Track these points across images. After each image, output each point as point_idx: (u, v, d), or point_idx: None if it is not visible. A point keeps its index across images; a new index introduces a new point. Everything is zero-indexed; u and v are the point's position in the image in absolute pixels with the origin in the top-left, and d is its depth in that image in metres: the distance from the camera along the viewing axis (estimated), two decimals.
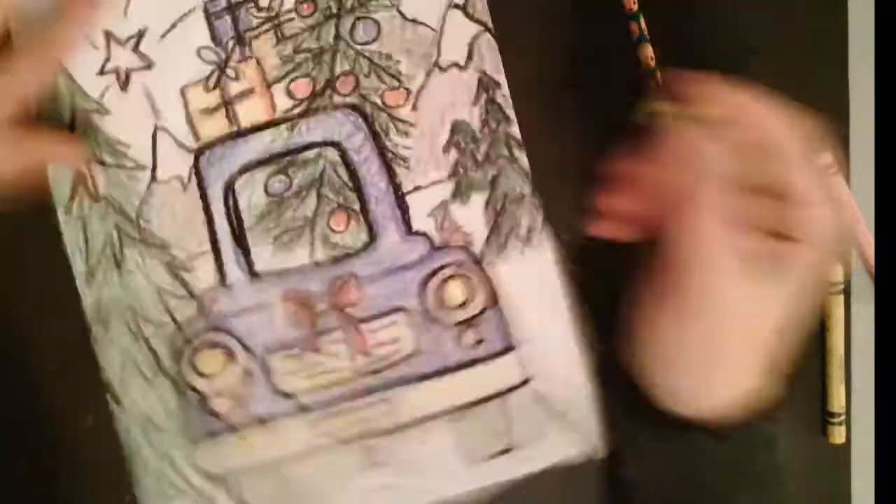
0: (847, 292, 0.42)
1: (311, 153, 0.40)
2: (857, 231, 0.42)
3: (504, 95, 0.40)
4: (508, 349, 0.39)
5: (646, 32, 0.40)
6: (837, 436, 0.42)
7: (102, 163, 0.39)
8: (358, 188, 0.40)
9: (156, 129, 0.39)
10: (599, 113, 0.40)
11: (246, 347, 0.39)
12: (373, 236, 0.40)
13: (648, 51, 0.40)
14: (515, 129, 0.40)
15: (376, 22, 0.40)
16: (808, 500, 0.42)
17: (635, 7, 0.40)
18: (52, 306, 0.40)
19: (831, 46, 0.42)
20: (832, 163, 0.40)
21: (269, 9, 0.39)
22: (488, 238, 0.40)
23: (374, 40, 0.40)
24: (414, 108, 0.40)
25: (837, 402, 0.42)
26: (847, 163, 0.42)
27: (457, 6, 0.39)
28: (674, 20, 0.40)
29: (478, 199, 0.40)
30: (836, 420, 0.42)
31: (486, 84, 0.40)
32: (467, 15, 0.39)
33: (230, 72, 0.39)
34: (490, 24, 0.40)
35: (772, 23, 0.41)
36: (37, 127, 0.38)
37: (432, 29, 0.40)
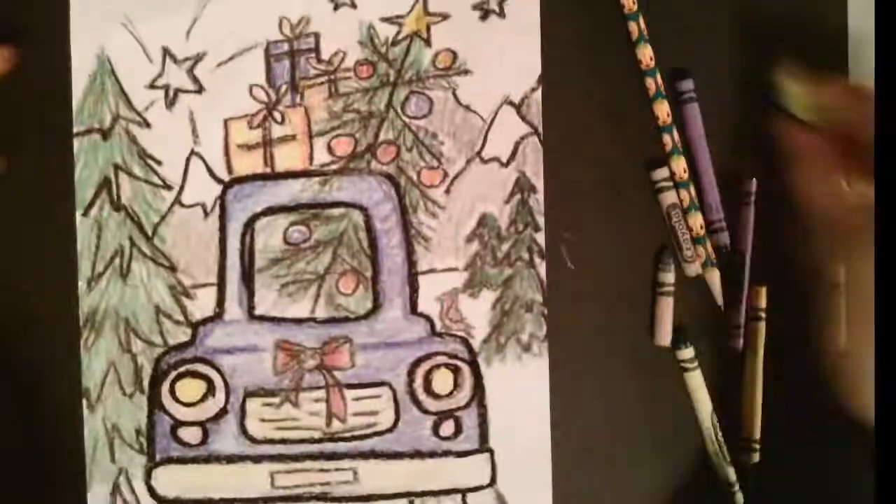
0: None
1: (336, 211, 0.40)
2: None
3: (538, 200, 0.40)
4: (483, 449, 0.39)
5: (645, 32, 0.40)
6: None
7: (130, 173, 0.39)
8: (374, 256, 0.40)
9: (191, 152, 0.39)
10: (637, 225, 0.40)
11: (227, 385, 0.39)
12: (377, 306, 0.40)
13: (648, 51, 0.40)
14: (541, 237, 0.40)
15: (430, 99, 0.40)
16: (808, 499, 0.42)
17: (635, 7, 0.40)
18: (52, 304, 0.39)
19: (831, 46, 0.42)
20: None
21: (328, 63, 0.40)
22: (489, 336, 0.40)
23: (423, 116, 0.40)
24: (447, 191, 0.40)
25: None
26: None
27: (511, 104, 0.39)
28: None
29: (487, 296, 0.40)
30: None
31: (522, 185, 0.40)
32: (520, 114, 0.39)
33: (277, 115, 0.40)
34: (540, 129, 0.40)
35: (773, 22, 0.41)
36: None
37: (482, 119, 0.40)
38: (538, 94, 0.40)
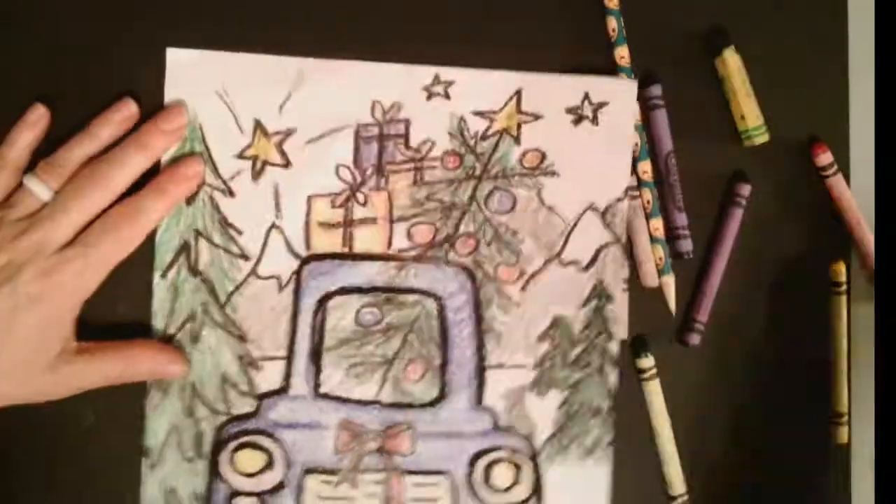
0: (848, 292, 0.42)
1: (411, 297, 0.40)
2: (857, 232, 0.42)
3: (613, 309, 0.40)
4: None
5: (623, 32, 0.40)
6: (841, 436, 0.42)
7: (210, 240, 0.40)
8: (444, 346, 0.40)
9: (273, 225, 0.40)
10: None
11: (287, 459, 0.40)
12: (443, 395, 0.40)
13: (624, 51, 0.40)
14: (615, 347, 0.40)
15: (513, 196, 0.40)
16: (807, 499, 0.43)
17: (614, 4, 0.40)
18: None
19: (831, 46, 0.42)
20: (831, 163, 0.41)
21: (416, 150, 0.40)
22: (552, 436, 0.40)
23: (506, 212, 0.40)
24: (523, 289, 0.40)
25: (842, 402, 0.42)
26: (847, 163, 0.42)
27: (595, 210, 0.40)
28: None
29: (555, 396, 0.40)
30: (841, 420, 0.42)
31: (599, 292, 0.40)
32: (604, 222, 0.40)
33: (360, 196, 0.40)
34: (623, 238, 0.40)
35: (772, 23, 0.41)
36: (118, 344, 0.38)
37: (565, 222, 0.40)
38: (624, 205, 0.40)
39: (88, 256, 0.36)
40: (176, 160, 0.39)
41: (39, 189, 0.37)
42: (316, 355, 0.40)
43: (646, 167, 0.41)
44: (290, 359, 0.40)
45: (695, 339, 0.41)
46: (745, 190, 0.41)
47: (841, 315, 0.42)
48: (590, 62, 0.41)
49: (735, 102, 0.41)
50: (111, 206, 0.37)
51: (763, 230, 0.42)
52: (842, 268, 0.42)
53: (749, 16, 0.42)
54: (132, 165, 0.38)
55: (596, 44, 0.41)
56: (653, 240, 0.40)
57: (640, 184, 0.40)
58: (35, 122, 0.38)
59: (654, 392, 0.41)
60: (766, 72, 0.41)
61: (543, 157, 0.40)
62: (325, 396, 0.40)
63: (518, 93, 0.40)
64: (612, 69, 0.41)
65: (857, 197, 0.42)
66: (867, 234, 0.42)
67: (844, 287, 0.42)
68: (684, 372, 0.41)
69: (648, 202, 0.40)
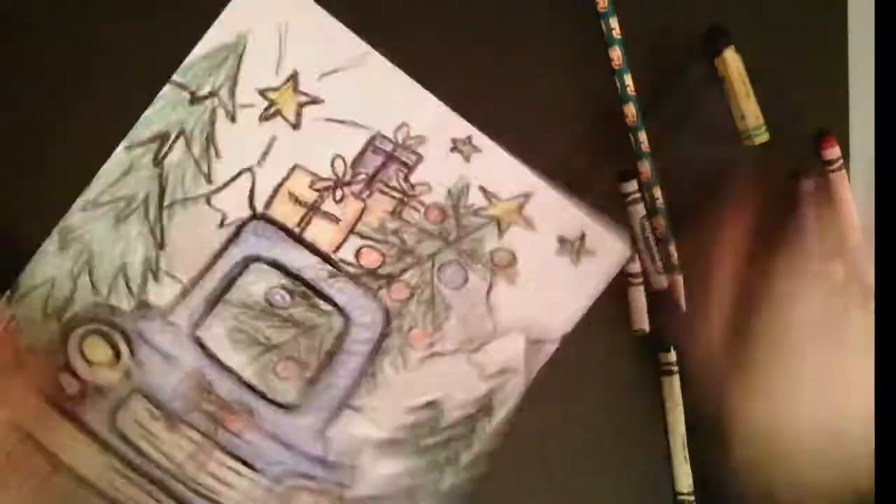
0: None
1: (325, 305, 0.40)
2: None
3: (483, 427, 0.40)
4: None
5: (616, 33, 0.40)
6: None
7: (189, 145, 0.39)
8: (326, 364, 0.40)
9: (249, 169, 0.39)
10: None
11: (129, 370, 0.39)
12: (296, 406, 0.40)
13: (616, 52, 0.40)
14: (466, 457, 0.40)
15: (466, 277, 0.40)
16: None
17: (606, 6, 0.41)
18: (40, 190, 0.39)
19: (831, 46, 0.42)
20: (838, 157, 0.41)
21: (411, 186, 0.40)
22: (370, 497, 0.40)
23: (452, 287, 0.40)
24: (422, 360, 0.40)
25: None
26: (847, 163, 0.42)
27: (526, 336, 0.40)
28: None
29: (392, 465, 0.40)
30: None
31: (483, 406, 0.40)
32: (526, 352, 0.40)
33: (338, 193, 0.40)
34: (532, 376, 0.40)
35: (772, 23, 0.42)
36: None
37: (495, 329, 0.40)
38: (548, 348, 0.40)
39: None
40: None
41: None
42: (213, 301, 0.39)
43: (657, 193, 0.41)
44: (189, 289, 0.39)
45: None
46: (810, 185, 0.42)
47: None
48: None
49: (735, 102, 0.41)
50: None
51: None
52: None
53: (749, 16, 0.42)
54: None
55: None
56: (658, 240, 0.41)
57: (645, 185, 0.41)
58: None
59: (673, 387, 0.41)
60: (766, 72, 0.41)
61: (513, 261, 0.40)
62: (197, 340, 0.40)
63: (526, 195, 0.40)
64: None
65: (856, 197, 0.42)
66: (860, 234, 0.42)
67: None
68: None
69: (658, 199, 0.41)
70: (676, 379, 0.41)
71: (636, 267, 0.42)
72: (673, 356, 0.41)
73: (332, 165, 0.40)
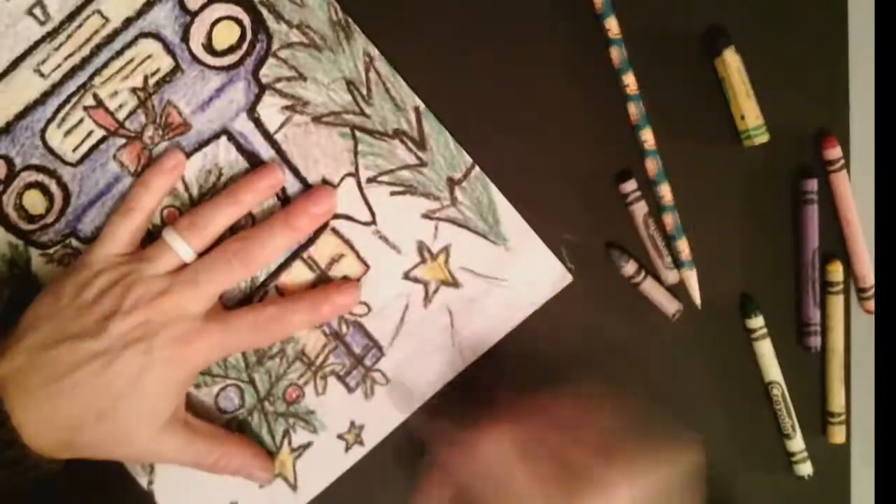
0: (847, 292, 0.43)
1: None
2: (851, 234, 0.42)
3: None
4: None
5: (612, 33, 0.40)
6: (837, 436, 0.43)
7: None
8: None
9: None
10: None
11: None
12: None
13: (615, 52, 0.41)
14: None
15: None
16: (807, 499, 0.43)
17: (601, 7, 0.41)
18: None
19: (831, 46, 0.42)
20: (839, 157, 0.41)
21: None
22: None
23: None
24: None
25: (837, 402, 0.43)
26: (847, 163, 0.42)
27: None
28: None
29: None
30: (836, 420, 0.43)
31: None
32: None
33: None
34: None
35: (772, 23, 0.42)
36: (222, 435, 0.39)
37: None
38: None
39: (226, 340, 0.36)
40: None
41: (182, 249, 0.37)
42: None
43: (664, 191, 0.41)
44: None
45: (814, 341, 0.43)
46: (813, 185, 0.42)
47: (837, 315, 0.43)
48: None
49: (735, 102, 0.41)
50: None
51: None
52: (837, 267, 0.42)
53: (749, 16, 0.42)
54: (279, 247, 0.38)
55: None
56: (667, 237, 0.42)
57: (652, 182, 0.41)
58: (172, 169, 0.38)
59: (766, 351, 0.42)
60: (766, 72, 0.41)
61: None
62: None
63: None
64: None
65: (856, 197, 0.42)
66: (859, 235, 0.42)
67: (840, 286, 0.42)
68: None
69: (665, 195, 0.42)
70: (768, 343, 0.43)
71: (631, 269, 0.42)
72: (761, 321, 0.42)
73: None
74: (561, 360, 0.42)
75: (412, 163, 0.40)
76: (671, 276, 0.42)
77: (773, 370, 0.43)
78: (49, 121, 0.39)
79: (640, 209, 0.42)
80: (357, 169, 0.40)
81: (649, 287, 0.42)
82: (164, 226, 0.39)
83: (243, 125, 0.40)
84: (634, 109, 0.41)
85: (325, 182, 0.40)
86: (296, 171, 0.40)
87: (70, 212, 0.39)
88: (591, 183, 0.42)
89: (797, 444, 0.43)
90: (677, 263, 0.42)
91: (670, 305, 0.42)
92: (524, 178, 0.41)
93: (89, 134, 0.39)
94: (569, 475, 0.33)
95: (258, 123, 0.40)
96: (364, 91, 0.40)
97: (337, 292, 0.39)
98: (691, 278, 0.42)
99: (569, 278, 0.42)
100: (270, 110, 0.40)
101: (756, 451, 0.43)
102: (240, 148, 0.40)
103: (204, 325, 0.36)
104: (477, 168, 0.41)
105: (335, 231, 0.40)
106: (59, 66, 0.39)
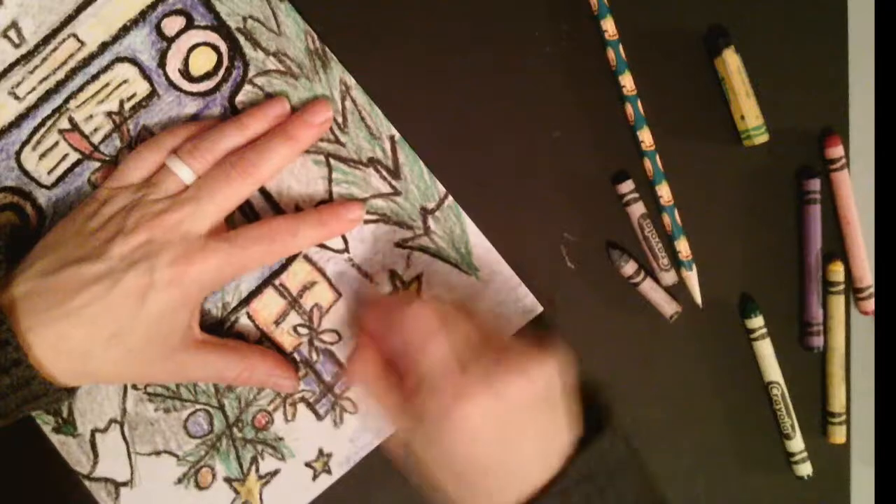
0: (846, 292, 0.43)
1: None
2: (850, 234, 0.42)
3: None
4: None
5: (609, 35, 0.41)
6: (838, 436, 0.43)
7: None
8: None
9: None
10: None
11: None
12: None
13: (612, 54, 0.41)
14: None
15: None
16: (807, 499, 0.43)
17: (597, 8, 0.41)
18: None
19: (831, 46, 0.42)
20: (841, 156, 0.42)
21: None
22: None
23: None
24: None
25: (838, 402, 0.43)
26: (847, 163, 0.42)
27: None
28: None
29: None
30: (836, 420, 0.43)
31: None
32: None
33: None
34: None
35: (772, 23, 0.42)
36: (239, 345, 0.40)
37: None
38: None
39: (232, 256, 0.36)
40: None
41: (182, 171, 0.36)
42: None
43: (662, 191, 0.41)
44: None
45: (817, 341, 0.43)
46: (816, 184, 0.42)
47: (839, 315, 0.43)
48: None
49: (735, 102, 0.41)
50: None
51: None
52: (839, 267, 0.42)
53: (749, 16, 0.42)
54: (278, 157, 0.37)
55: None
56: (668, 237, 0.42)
57: (652, 181, 0.41)
58: (199, 124, 0.38)
59: (766, 352, 0.42)
60: (766, 72, 0.41)
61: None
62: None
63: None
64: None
65: (856, 197, 0.42)
66: (858, 235, 0.42)
67: (841, 287, 0.42)
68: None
69: (663, 196, 0.41)
70: (768, 343, 0.43)
71: (630, 269, 0.42)
72: (761, 321, 0.42)
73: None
74: None
75: (386, 191, 0.40)
76: (667, 278, 0.42)
77: (772, 370, 0.43)
78: (24, 143, 0.39)
79: (637, 210, 0.42)
80: (331, 196, 0.40)
81: (648, 288, 0.42)
82: None
83: None
84: (631, 110, 0.41)
85: (297, 209, 0.40)
86: (268, 197, 0.40)
87: (44, 232, 0.39)
88: (592, 183, 0.42)
89: (797, 444, 0.43)
90: (677, 263, 0.42)
91: (669, 307, 0.42)
92: (521, 178, 0.41)
93: (64, 157, 0.39)
94: (489, 345, 0.34)
95: None
96: (339, 119, 0.40)
97: (343, 208, 0.39)
98: (691, 278, 0.42)
99: (539, 308, 0.41)
100: None
101: (756, 451, 0.43)
102: None
103: (207, 243, 0.35)
104: (450, 198, 0.41)
105: (307, 258, 0.40)
106: (34, 88, 0.39)
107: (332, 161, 0.40)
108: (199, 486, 0.41)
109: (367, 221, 0.40)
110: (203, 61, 0.39)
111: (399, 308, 0.34)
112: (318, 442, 0.41)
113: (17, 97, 0.39)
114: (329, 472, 0.41)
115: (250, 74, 0.39)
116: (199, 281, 0.35)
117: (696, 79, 0.42)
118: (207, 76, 0.39)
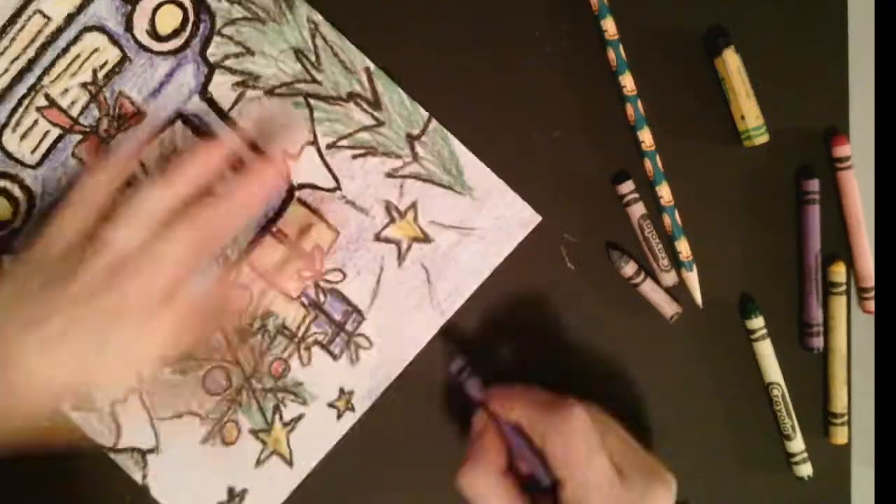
0: (847, 293, 0.43)
1: None
2: (854, 230, 0.43)
3: None
4: None
5: (609, 35, 0.41)
6: (840, 436, 0.43)
7: None
8: None
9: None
10: None
11: None
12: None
13: (612, 54, 0.41)
14: None
15: None
16: (807, 500, 0.43)
17: (598, 8, 0.41)
18: None
19: (831, 46, 0.42)
20: (847, 156, 0.42)
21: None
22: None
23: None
24: None
25: (840, 402, 0.43)
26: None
27: None
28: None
29: None
30: (838, 421, 0.43)
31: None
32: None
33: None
34: None
35: (772, 23, 0.42)
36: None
37: None
38: None
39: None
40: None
41: (125, 238, 0.34)
42: None
43: (662, 191, 0.41)
44: None
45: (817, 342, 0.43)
46: (816, 185, 0.42)
47: (840, 315, 0.43)
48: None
49: (735, 102, 0.41)
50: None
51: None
52: (840, 268, 0.42)
53: (749, 16, 0.42)
54: (235, 226, 0.37)
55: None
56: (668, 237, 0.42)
57: (653, 181, 0.42)
58: (115, 167, 0.37)
59: (766, 352, 0.42)
60: (766, 72, 0.41)
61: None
62: None
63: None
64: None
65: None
66: (864, 234, 0.42)
67: (843, 287, 0.42)
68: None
69: (664, 196, 0.42)
70: (768, 343, 0.42)
71: (630, 270, 0.42)
72: (761, 321, 0.42)
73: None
74: (561, 359, 0.42)
75: (369, 124, 0.40)
76: (666, 279, 0.42)
77: (773, 371, 0.42)
78: (3, 126, 0.39)
79: (637, 211, 0.42)
80: (315, 137, 0.40)
81: (648, 288, 0.42)
82: None
83: (197, 106, 0.40)
84: (631, 110, 0.41)
85: (286, 154, 0.40)
86: (254, 147, 0.39)
87: (36, 213, 0.39)
88: (592, 183, 0.42)
89: (797, 444, 0.43)
90: (678, 264, 0.42)
91: (669, 307, 0.42)
92: (521, 178, 0.42)
93: (45, 134, 0.39)
94: (636, 452, 0.35)
95: (211, 103, 0.40)
96: (313, 58, 0.40)
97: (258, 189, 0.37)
98: (692, 278, 0.42)
99: (538, 218, 0.41)
100: (222, 89, 0.40)
101: (756, 452, 0.43)
102: (196, 130, 0.40)
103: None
104: (434, 121, 0.41)
105: (301, 201, 0.40)
106: (6, 70, 0.39)
107: (311, 101, 0.40)
108: (225, 443, 0.41)
109: (354, 156, 0.40)
110: (169, 19, 0.39)
111: (559, 410, 0.34)
112: (338, 381, 0.41)
113: None
114: (352, 409, 0.41)
115: (218, 26, 0.40)
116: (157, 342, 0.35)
117: (696, 79, 0.42)
118: (175, 34, 0.39)
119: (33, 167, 0.39)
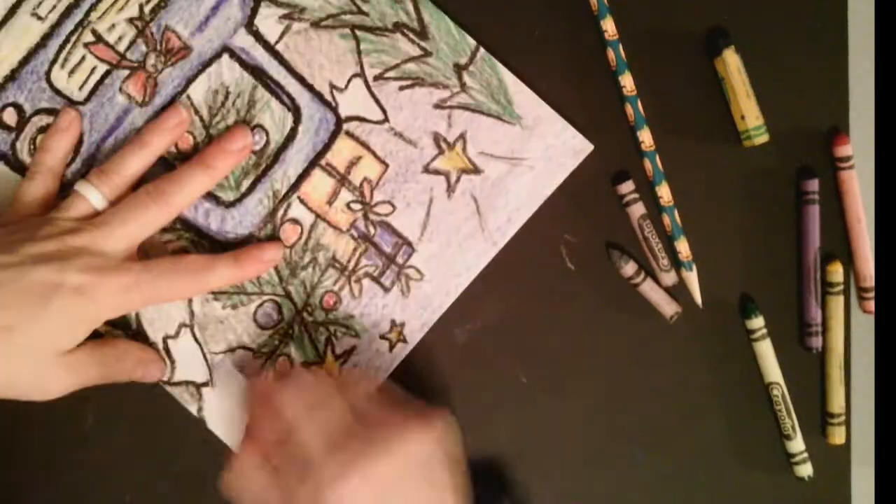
0: (847, 293, 0.43)
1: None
2: (857, 233, 0.42)
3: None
4: None
5: (609, 35, 0.41)
6: (837, 436, 0.43)
7: None
8: None
9: None
10: None
11: None
12: None
13: (612, 54, 0.41)
14: None
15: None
16: (807, 500, 0.43)
17: (597, 8, 0.41)
18: None
19: (831, 46, 0.42)
20: (850, 155, 0.41)
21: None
22: None
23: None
24: None
25: (837, 402, 0.43)
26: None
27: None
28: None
29: None
30: (835, 421, 0.43)
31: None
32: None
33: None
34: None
35: (772, 23, 0.42)
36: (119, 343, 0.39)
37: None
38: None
39: (142, 281, 0.35)
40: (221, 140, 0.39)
41: (94, 196, 0.36)
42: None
43: (662, 191, 0.41)
44: None
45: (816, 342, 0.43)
46: (815, 184, 0.42)
47: (837, 315, 0.43)
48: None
49: (735, 102, 0.41)
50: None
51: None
52: (838, 268, 0.42)
53: (749, 16, 0.42)
54: (195, 185, 0.37)
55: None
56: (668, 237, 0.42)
57: (652, 181, 0.41)
58: (67, 127, 0.38)
59: (766, 352, 0.42)
60: (766, 72, 0.41)
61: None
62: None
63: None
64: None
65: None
66: (865, 234, 0.42)
67: (840, 287, 0.42)
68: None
69: (663, 196, 0.41)
70: (768, 343, 0.42)
71: (630, 269, 0.42)
72: (761, 321, 0.42)
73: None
74: (561, 359, 0.42)
75: (416, 54, 0.40)
76: (666, 279, 0.42)
77: (773, 371, 0.43)
78: (52, 62, 0.39)
79: (637, 211, 0.42)
80: (362, 68, 0.40)
81: (648, 288, 0.42)
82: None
83: (243, 40, 0.40)
84: (631, 110, 0.41)
85: (332, 86, 0.40)
86: (302, 80, 0.40)
87: (84, 150, 0.39)
88: (592, 183, 0.42)
89: (797, 445, 0.43)
90: (677, 264, 0.42)
91: (668, 307, 0.42)
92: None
93: (93, 70, 0.39)
94: (365, 420, 0.34)
95: (258, 36, 0.40)
96: None
97: (259, 249, 0.39)
98: (691, 279, 0.42)
99: (590, 147, 0.41)
100: (268, 21, 0.40)
101: (756, 452, 0.43)
102: (243, 64, 0.40)
103: (121, 262, 0.35)
104: (482, 50, 0.40)
105: (349, 134, 0.40)
106: (54, 6, 0.39)
107: (357, 32, 0.40)
108: None
109: (402, 88, 0.40)
110: None
111: (269, 393, 0.35)
112: (389, 313, 0.41)
113: (39, 17, 0.39)
114: (405, 340, 0.41)
115: None
116: (106, 297, 0.34)
117: (696, 79, 0.42)
118: None
119: (81, 103, 0.39)
